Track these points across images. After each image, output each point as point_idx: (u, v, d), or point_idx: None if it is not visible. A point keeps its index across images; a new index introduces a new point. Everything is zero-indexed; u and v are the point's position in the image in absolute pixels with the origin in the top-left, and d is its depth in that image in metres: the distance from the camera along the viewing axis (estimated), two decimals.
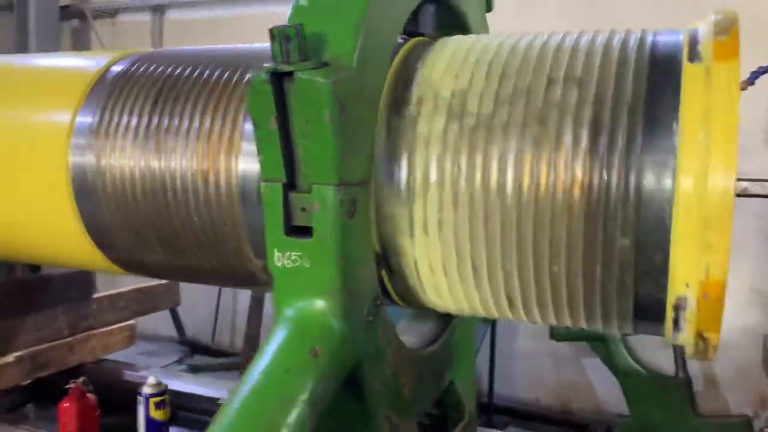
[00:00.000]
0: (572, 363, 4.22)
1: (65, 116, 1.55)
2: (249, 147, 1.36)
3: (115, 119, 1.52)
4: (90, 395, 1.73)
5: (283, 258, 1.09)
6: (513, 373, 4.25)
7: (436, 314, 1.62)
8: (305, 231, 1.09)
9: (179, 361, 5.13)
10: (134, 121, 1.50)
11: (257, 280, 1.55)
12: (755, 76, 2.02)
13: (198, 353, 5.37)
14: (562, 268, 1.08)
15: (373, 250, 1.18)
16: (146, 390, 1.67)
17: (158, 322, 4.87)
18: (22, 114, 1.61)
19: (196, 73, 1.51)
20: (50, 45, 5.20)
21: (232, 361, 4.98)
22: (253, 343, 4.73)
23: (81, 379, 1.77)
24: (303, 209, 1.08)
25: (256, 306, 4.80)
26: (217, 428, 0.96)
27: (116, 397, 2.12)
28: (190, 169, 1.43)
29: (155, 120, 1.48)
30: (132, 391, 2.01)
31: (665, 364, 3.84)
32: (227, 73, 1.47)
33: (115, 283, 2.63)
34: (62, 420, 1.72)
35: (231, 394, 1.01)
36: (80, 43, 5.57)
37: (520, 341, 4.33)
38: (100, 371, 2.33)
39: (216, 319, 5.24)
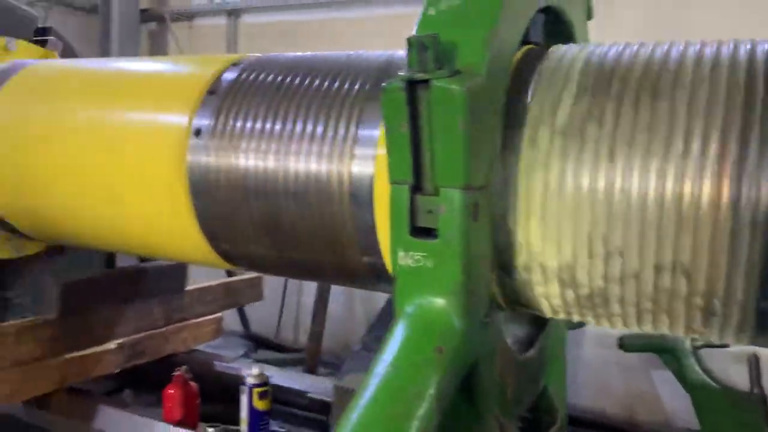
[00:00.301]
0: (641, 373, 4.14)
1: (183, 119, 1.63)
2: (361, 151, 1.41)
3: (230, 123, 1.60)
4: (192, 383, 1.82)
5: (407, 257, 1.14)
6: (579, 381, 4.20)
7: (530, 319, 1.64)
8: (428, 232, 1.13)
9: (245, 355, 5.25)
10: (249, 124, 1.57)
11: (358, 277, 1.60)
12: None
13: (261, 348, 5.48)
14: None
15: (489, 252, 1.21)
16: (250, 380, 1.74)
17: (224, 315, 5.01)
18: (142, 116, 1.71)
19: (307, 81, 1.57)
20: (131, 47, 5.42)
21: (295, 357, 5.07)
22: (317, 339, 4.81)
23: (183, 368, 1.85)
24: (429, 211, 1.12)
25: (322, 304, 4.89)
26: (354, 416, 1.00)
27: (208, 386, 2.21)
28: (303, 171, 1.49)
29: (269, 124, 1.55)
30: (223, 380, 2.09)
31: (737, 379, 3.73)
32: (338, 82, 1.53)
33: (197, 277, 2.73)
34: (167, 405, 1.81)
35: (360, 387, 1.06)
36: (157, 46, 5.78)
37: (586, 349, 4.28)
38: (191, 361, 2.43)
39: (280, 315, 5.34)
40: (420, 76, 1.05)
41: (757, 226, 1.01)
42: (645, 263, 1.10)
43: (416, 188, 1.12)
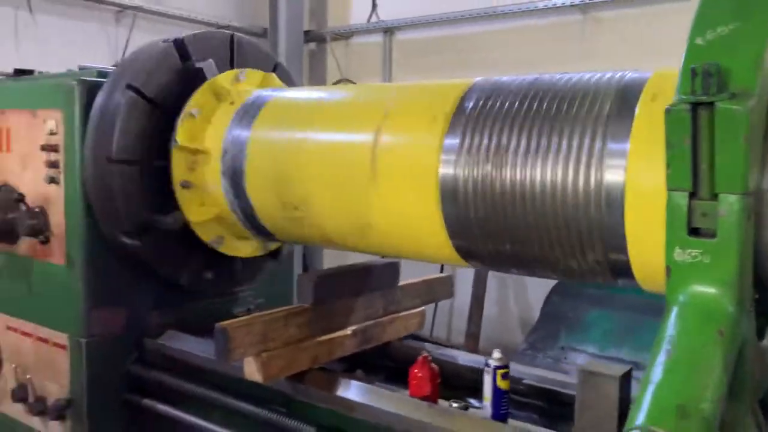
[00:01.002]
0: None
1: (435, 139, 1.91)
2: (613, 162, 1.61)
3: (477, 140, 1.84)
4: (434, 365, 2.09)
5: (683, 254, 1.33)
6: None
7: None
8: (701, 232, 1.31)
9: None
10: (494, 141, 1.82)
11: (595, 273, 1.80)
12: None
13: None
14: None
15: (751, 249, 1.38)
16: (493, 362, 1.98)
17: None
18: (398, 137, 2.00)
19: (544, 102, 1.79)
20: (296, 65, 5.92)
21: None
22: (475, 340, 5.04)
23: (424, 352, 2.13)
24: (703, 214, 1.30)
25: (478, 306, 5.12)
26: (652, 388, 1.20)
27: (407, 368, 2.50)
28: (550, 180, 1.71)
29: (514, 140, 1.79)
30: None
31: None
32: (577, 102, 1.73)
33: None
34: (413, 382, 2.09)
35: (651, 360, 1.26)
36: (316, 63, 6.27)
37: None
38: (403, 347, 2.73)
39: (435, 314, 5.62)
40: (704, 98, 1.24)
41: None
42: None
43: (693, 194, 1.31)
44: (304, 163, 2.19)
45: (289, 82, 2.91)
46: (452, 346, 5.54)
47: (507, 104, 1.85)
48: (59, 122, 2.61)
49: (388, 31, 5.78)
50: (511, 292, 5.43)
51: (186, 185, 2.47)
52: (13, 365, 2.90)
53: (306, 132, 2.22)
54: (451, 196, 1.88)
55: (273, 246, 2.90)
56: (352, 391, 2.19)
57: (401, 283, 2.72)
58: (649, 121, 1.57)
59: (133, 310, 2.76)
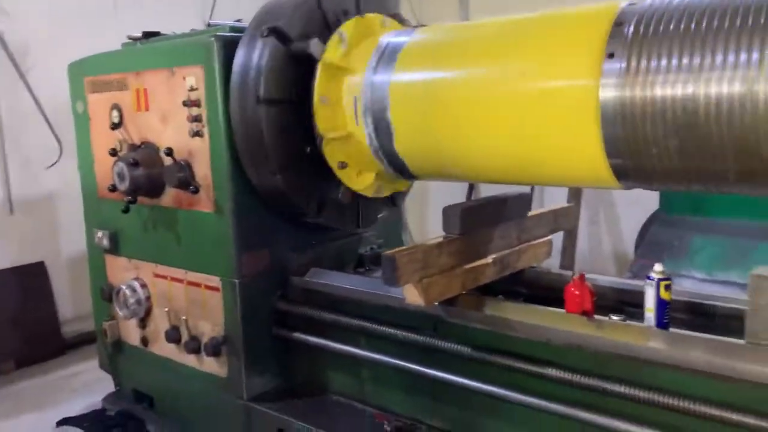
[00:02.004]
0: None
1: (590, 63, 1.96)
2: None
3: (642, 61, 1.87)
4: (587, 284, 2.20)
5: None
6: None
7: None
8: None
9: None
10: (659, 61, 1.85)
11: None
12: None
13: None
14: None
15: None
16: (656, 275, 2.08)
17: None
18: (553, 64, 2.06)
19: (704, 18, 1.81)
20: None
21: None
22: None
23: (578, 274, 2.24)
24: None
25: (570, 241, 5.17)
26: None
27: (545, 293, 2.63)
28: (718, 93, 1.75)
29: (676, 59, 1.82)
30: (558, 289, 2.43)
31: None
32: (740, 17, 1.75)
33: None
34: (569, 300, 2.21)
35: None
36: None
37: None
38: (534, 273, 2.84)
39: None
40: None
41: None
42: None
43: None
44: (456, 103, 2.28)
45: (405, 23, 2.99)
46: None
47: (669, 19, 1.88)
48: (200, 78, 2.75)
49: None
50: (603, 227, 5.47)
51: (342, 166, 2.67)
52: (166, 309, 3.14)
53: (455, 71, 2.30)
54: (610, 119, 1.94)
55: (395, 189, 3.02)
56: (505, 310, 2.32)
57: (531, 213, 2.82)
58: None
59: (276, 252, 2.95)
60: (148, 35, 3.18)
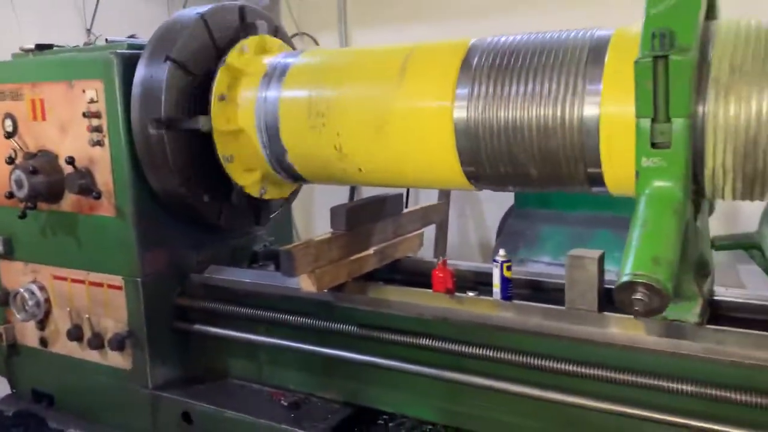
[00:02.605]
0: (729, 270, 4.93)
1: (446, 88, 2.43)
2: (591, 99, 2.18)
3: (483, 88, 2.37)
4: (449, 267, 2.68)
5: (648, 161, 1.93)
6: None
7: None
8: (659, 145, 1.92)
9: None
10: (498, 89, 2.35)
11: (577, 183, 2.39)
12: None
13: None
14: None
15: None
16: (500, 258, 2.59)
17: None
18: (419, 89, 2.51)
19: (535, 55, 2.33)
20: None
21: None
22: None
23: (442, 259, 2.71)
24: (661, 133, 1.91)
25: (442, 234, 5.75)
26: (632, 251, 1.81)
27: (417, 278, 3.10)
28: (543, 115, 2.27)
29: (513, 87, 2.33)
30: (427, 274, 2.92)
31: None
32: (561, 54, 2.28)
33: None
34: (435, 281, 2.67)
35: (629, 234, 1.87)
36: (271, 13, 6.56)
37: None
38: (408, 262, 3.31)
39: None
40: (661, 53, 1.83)
41: None
42: None
43: (654, 119, 1.91)
44: (339, 118, 2.67)
45: (288, 42, 3.35)
46: None
47: (506, 55, 2.39)
48: (100, 91, 2.95)
49: None
50: (470, 220, 6.10)
51: (228, 160, 2.95)
52: (67, 309, 3.29)
53: (339, 89, 2.69)
54: (462, 133, 2.42)
55: (287, 193, 3.38)
56: (384, 293, 2.76)
57: (404, 211, 3.27)
58: (615, 68, 2.15)
59: (176, 251, 3.20)
60: (41, 47, 3.30)
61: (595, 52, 2.23)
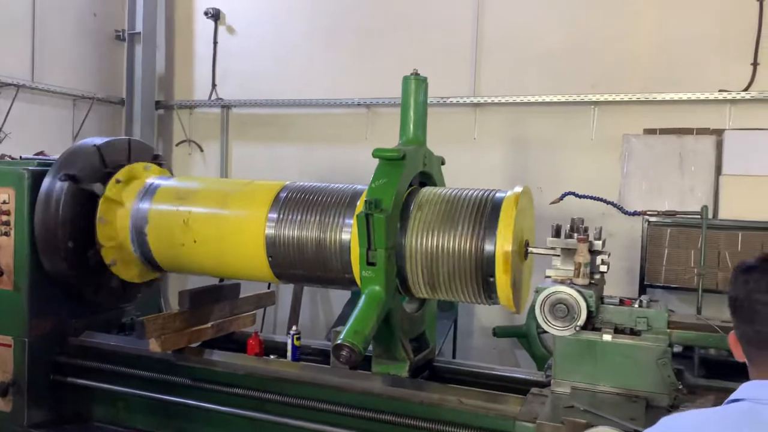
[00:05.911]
0: (509, 354, 6.33)
1: (263, 212, 3.67)
2: (346, 229, 3.48)
3: (286, 214, 3.63)
4: (260, 338, 3.82)
5: (366, 272, 3.22)
6: (472, 359, 6.34)
7: (418, 300, 3.75)
8: (371, 264, 3.21)
9: None
10: (295, 216, 3.62)
11: (342, 283, 3.65)
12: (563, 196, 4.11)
13: None
14: None
15: (395, 272, 3.31)
16: (293, 332, 3.77)
17: None
18: (242, 211, 3.73)
19: (321, 196, 3.64)
20: (148, 127, 7.34)
21: None
22: None
23: (254, 332, 3.86)
24: (372, 257, 3.21)
25: (294, 314, 6.87)
26: (351, 321, 3.06)
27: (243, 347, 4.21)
28: (317, 237, 3.54)
29: (305, 216, 3.60)
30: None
31: None
32: (335, 197, 3.60)
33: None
34: (249, 348, 3.80)
35: (351, 316, 3.12)
36: (165, 126, 7.70)
37: (474, 339, 6.44)
38: (242, 335, 4.42)
39: (263, 317, 7.28)
40: (370, 212, 3.15)
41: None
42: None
43: (368, 248, 3.21)
44: (186, 226, 3.84)
45: (165, 165, 4.52)
46: None
47: (304, 194, 3.67)
48: (11, 196, 3.98)
49: (225, 106, 7.42)
50: (319, 306, 7.28)
51: (113, 264, 4.00)
52: None
53: (192, 206, 3.87)
54: (271, 244, 3.65)
55: (150, 278, 4.44)
56: (210, 355, 3.85)
57: (241, 296, 4.42)
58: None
59: (59, 319, 4.15)
60: None
61: (352, 198, 3.55)
